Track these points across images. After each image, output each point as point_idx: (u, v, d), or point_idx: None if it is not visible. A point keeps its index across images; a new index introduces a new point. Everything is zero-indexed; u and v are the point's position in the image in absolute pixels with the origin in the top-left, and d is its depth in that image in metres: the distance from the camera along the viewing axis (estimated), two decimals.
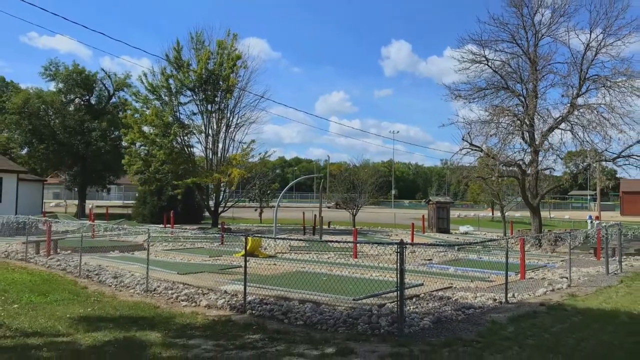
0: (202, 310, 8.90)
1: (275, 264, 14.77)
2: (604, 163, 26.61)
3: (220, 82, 30.35)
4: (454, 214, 47.27)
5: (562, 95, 24.36)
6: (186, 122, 31.34)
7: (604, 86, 22.80)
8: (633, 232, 21.63)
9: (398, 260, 7.22)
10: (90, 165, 41.57)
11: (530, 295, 10.58)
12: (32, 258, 15.21)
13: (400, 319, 7.22)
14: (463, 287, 11.55)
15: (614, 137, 22.19)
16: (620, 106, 22.11)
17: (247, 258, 9.35)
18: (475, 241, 24.31)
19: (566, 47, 24.12)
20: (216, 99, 31.03)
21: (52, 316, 8.07)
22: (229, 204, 33.60)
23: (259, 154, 32.93)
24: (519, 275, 13.13)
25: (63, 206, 52.18)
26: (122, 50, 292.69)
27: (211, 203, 32.98)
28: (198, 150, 32.63)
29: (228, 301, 9.30)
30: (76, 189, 45.44)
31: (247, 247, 10.77)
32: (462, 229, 34.80)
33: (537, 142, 23.80)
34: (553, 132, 23.92)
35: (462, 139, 24.16)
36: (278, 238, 19.00)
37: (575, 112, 23.20)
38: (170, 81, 30.20)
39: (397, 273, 7.27)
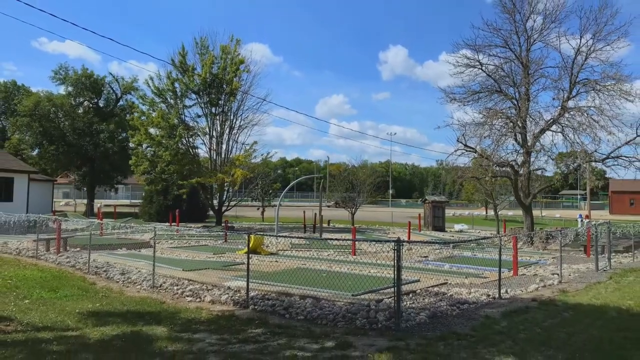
0: (207, 305, 8.89)
1: (276, 261, 14.75)
2: (593, 164, 26.65)
3: (224, 86, 30.34)
4: (449, 212, 47.24)
5: (553, 99, 24.43)
6: (191, 124, 31.34)
7: (593, 89, 22.83)
8: (622, 230, 21.61)
9: (395, 258, 7.21)
10: (99, 166, 41.58)
11: (523, 291, 10.57)
12: (42, 255, 15.20)
13: (398, 314, 7.22)
14: (458, 283, 11.54)
15: (604, 139, 22.28)
16: (609, 109, 22.17)
17: (250, 255, 9.36)
18: (470, 239, 24.29)
19: (557, 52, 24.18)
20: (220, 102, 31.01)
21: (61, 311, 8.07)
22: (232, 203, 33.58)
23: (261, 155, 32.91)
24: (512, 271, 13.12)
25: (72, 205, 52.18)
26: (130, 55, 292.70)
27: (215, 202, 32.96)
28: (202, 152, 32.68)
29: (231, 297, 9.30)
30: (85, 188, 45.46)
31: (250, 245, 10.77)
32: (457, 227, 34.78)
33: (529, 144, 23.82)
34: (544, 134, 23.99)
35: (457, 141, 24.22)
36: (279, 236, 18.99)
37: (566, 115, 23.23)
38: (176, 85, 30.21)
39: (394, 270, 7.27)
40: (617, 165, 22.83)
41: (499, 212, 36.69)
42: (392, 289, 7.49)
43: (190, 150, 31.07)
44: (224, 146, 31.84)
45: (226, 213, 33.33)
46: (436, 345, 6.30)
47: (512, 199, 32.00)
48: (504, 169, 25.38)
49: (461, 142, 24.09)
